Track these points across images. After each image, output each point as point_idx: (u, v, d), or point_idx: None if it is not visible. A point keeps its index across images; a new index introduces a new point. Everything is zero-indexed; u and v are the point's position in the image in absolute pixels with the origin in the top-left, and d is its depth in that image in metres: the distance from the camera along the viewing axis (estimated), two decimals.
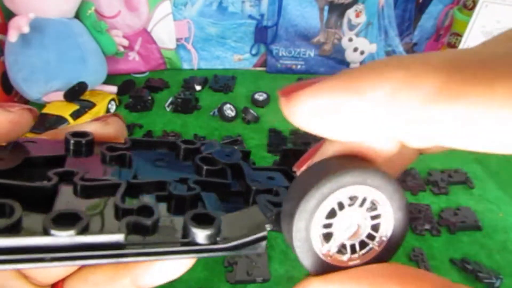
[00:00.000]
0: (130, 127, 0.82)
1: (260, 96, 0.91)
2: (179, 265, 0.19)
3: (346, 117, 0.14)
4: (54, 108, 0.78)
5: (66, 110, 0.77)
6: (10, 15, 0.77)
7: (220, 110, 0.85)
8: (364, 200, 0.16)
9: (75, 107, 0.79)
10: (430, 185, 0.69)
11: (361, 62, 1.03)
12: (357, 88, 0.14)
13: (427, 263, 0.55)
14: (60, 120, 0.75)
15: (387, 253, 0.17)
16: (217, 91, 0.96)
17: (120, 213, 0.18)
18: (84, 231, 0.16)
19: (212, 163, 0.25)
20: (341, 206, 0.16)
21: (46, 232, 0.15)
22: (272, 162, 0.30)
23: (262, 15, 0.98)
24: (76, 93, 0.80)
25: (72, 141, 0.23)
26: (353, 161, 0.16)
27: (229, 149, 0.27)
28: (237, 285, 0.51)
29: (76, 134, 0.24)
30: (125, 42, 0.95)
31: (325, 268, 0.16)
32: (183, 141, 0.26)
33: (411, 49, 1.03)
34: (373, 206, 0.16)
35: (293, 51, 1.02)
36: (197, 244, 0.17)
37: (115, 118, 0.26)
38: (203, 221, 0.18)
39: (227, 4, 0.96)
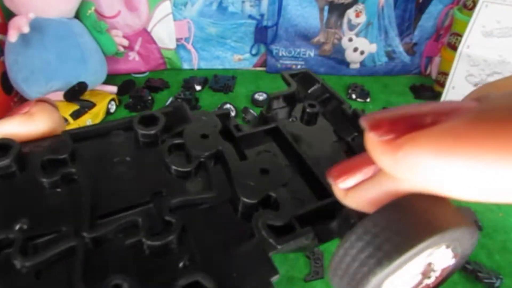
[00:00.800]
0: None
1: (260, 96, 0.91)
2: None
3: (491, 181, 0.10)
4: None
5: (66, 110, 0.77)
6: (10, 15, 0.77)
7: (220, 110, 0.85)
8: (441, 253, 0.13)
9: (75, 107, 0.78)
10: None
11: (361, 62, 1.03)
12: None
13: None
14: None
15: (438, 285, 0.15)
16: (217, 91, 0.96)
17: None
18: None
19: (185, 151, 0.19)
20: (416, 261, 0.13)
21: None
22: (259, 112, 0.26)
23: (262, 15, 0.98)
24: (76, 93, 0.80)
25: None
26: (443, 211, 0.13)
27: (203, 122, 0.20)
28: None
29: None
30: (125, 42, 0.95)
31: None
32: (142, 119, 0.20)
33: (411, 49, 1.03)
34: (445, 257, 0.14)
35: (293, 51, 1.02)
36: None
37: (40, 105, 0.19)
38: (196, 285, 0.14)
39: (227, 4, 0.96)
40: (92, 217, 0.16)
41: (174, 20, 0.96)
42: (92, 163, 0.18)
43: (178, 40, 1.00)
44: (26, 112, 0.18)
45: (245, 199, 0.17)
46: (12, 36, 0.72)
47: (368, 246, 0.12)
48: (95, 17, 0.87)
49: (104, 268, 0.15)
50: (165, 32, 0.98)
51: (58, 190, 0.17)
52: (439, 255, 0.13)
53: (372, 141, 0.11)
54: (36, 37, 0.76)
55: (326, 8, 0.96)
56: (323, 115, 0.26)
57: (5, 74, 0.80)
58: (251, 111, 0.85)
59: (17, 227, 0.15)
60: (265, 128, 0.23)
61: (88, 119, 0.79)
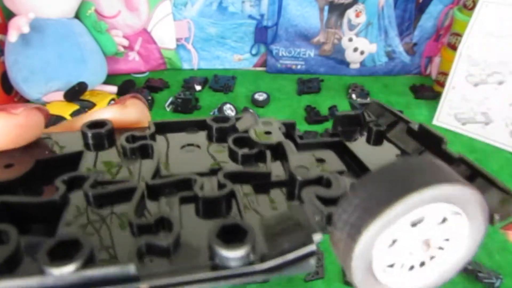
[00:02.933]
0: None
1: (260, 96, 0.91)
2: None
3: None
4: (54, 108, 0.78)
5: (66, 110, 0.77)
6: (10, 15, 0.77)
7: (220, 110, 0.85)
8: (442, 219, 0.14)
9: (75, 107, 0.78)
10: None
11: (361, 62, 1.03)
12: None
13: None
14: (60, 120, 0.75)
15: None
16: (217, 91, 0.96)
17: (134, 229, 0.15)
18: (87, 263, 0.13)
19: (249, 144, 0.21)
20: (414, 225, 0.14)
21: (42, 272, 0.13)
22: (323, 131, 0.27)
23: (262, 15, 0.98)
24: (76, 93, 0.80)
25: (89, 134, 0.21)
26: (444, 173, 0.13)
27: (269, 124, 0.23)
28: (237, 285, 0.51)
29: (93, 125, 0.22)
30: (125, 42, 0.95)
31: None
32: (215, 119, 0.23)
33: (411, 49, 1.03)
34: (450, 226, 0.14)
35: (293, 51, 1.02)
36: (227, 267, 0.14)
37: (133, 100, 0.23)
38: (234, 234, 0.14)
39: (227, 4, 0.96)
40: (155, 175, 0.19)
41: (174, 20, 0.96)
42: (167, 145, 0.22)
43: (178, 40, 1.00)
44: (121, 103, 0.23)
45: (299, 177, 0.18)
46: (12, 36, 0.72)
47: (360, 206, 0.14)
48: (95, 17, 0.87)
49: (156, 212, 0.17)
50: (165, 32, 0.98)
51: (134, 156, 0.21)
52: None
53: None
54: (36, 37, 0.76)
55: (326, 8, 0.96)
56: (389, 139, 0.25)
57: (5, 74, 0.80)
58: (251, 111, 0.85)
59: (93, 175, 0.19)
60: (328, 140, 0.24)
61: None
